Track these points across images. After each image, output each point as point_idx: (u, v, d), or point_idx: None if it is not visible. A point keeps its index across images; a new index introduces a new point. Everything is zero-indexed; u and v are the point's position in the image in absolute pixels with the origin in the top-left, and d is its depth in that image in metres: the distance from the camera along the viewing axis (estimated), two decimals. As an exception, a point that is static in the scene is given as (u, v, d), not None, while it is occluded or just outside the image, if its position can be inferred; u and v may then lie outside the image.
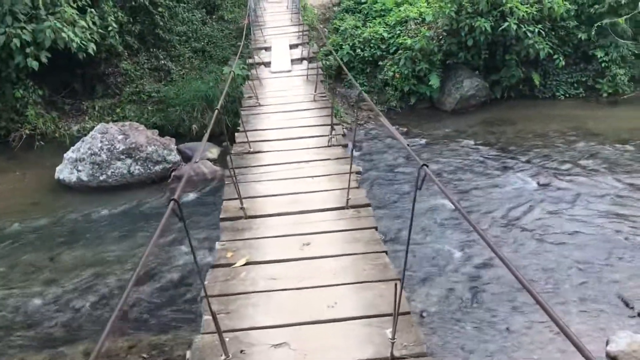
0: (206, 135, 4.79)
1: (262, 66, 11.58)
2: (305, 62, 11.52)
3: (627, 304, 5.95)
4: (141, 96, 13.01)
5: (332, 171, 6.66)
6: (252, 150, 7.53)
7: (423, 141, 11.31)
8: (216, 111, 6.11)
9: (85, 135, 10.54)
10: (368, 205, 5.70)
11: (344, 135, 8.28)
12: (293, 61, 11.63)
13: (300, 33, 13.33)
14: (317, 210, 5.65)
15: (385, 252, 4.79)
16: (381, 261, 4.63)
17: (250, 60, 11.72)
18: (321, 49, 13.33)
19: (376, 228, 5.27)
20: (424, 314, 6.13)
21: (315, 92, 9.56)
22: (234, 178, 5.68)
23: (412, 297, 6.51)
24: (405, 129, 11.98)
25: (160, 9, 13.82)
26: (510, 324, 5.92)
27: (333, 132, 7.67)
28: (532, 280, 6.65)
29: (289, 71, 11.07)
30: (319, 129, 8.19)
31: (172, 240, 8.24)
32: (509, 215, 8.31)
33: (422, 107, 13.08)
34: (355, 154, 10.88)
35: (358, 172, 6.53)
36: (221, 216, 5.68)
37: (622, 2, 12.37)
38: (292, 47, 12.70)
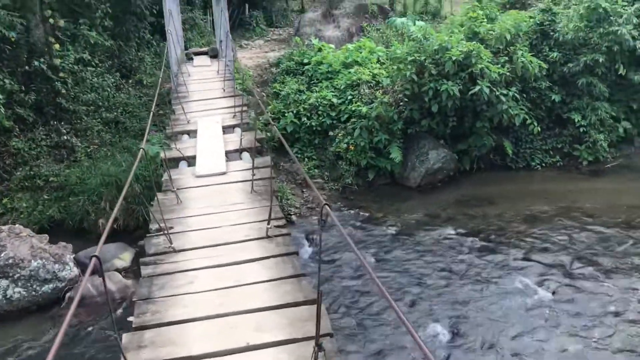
0: (102, 239, 3.42)
1: (183, 163, 7.99)
2: (246, 156, 8.07)
3: None
4: (36, 181, 10.35)
5: None
6: None
7: (391, 230, 9.23)
8: (119, 202, 4.35)
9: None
10: None
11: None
12: (229, 155, 8.13)
13: (237, 108, 9.67)
14: None
15: None
16: None
17: (166, 154, 7.72)
18: (260, 119, 11.20)
19: None
20: None
21: (268, 222, 5.69)
22: None
23: None
24: (366, 214, 9.90)
25: (62, 74, 11.34)
26: None
27: (319, 349, 3.72)
28: None
29: (223, 174, 7.35)
30: (284, 316, 4.36)
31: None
32: (525, 344, 6.25)
33: (382, 184, 11.06)
34: (308, 255, 8.71)
35: None
36: None
37: (600, 60, 10.98)
38: (226, 129, 9.16)
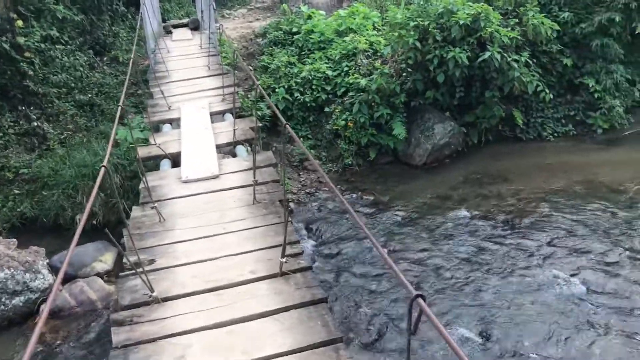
0: (75, 238, 2.71)
1: (165, 162, 6.49)
2: (241, 150, 6.66)
3: None
4: (5, 174, 9.36)
5: None
6: None
7: (398, 215, 8.42)
8: (91, 199, 3.30)
9: None
10: None
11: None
12: (220, 149, 6.70)
13: (227, 90, 8.29)
14: None
15: None
16: None
17: (142, 153, 6.28)
18: (248, 97, 10.23)
19: None
20: None
21: (282, 255, 4.18)
22: None
23: None
24: (370, 197, 9.07)
25: (27, 54, 10.25)
26: None
27: None
28: None
29: (216, 177, 5.90)
30: None
31: None
32: (565, 347, 5.51)
33: (385, 163, 10.19)
34: (310, 248, 7.87)
35: None
36: None
37: (616, 19, 10.08)
38: (214, 116, 7.72)
